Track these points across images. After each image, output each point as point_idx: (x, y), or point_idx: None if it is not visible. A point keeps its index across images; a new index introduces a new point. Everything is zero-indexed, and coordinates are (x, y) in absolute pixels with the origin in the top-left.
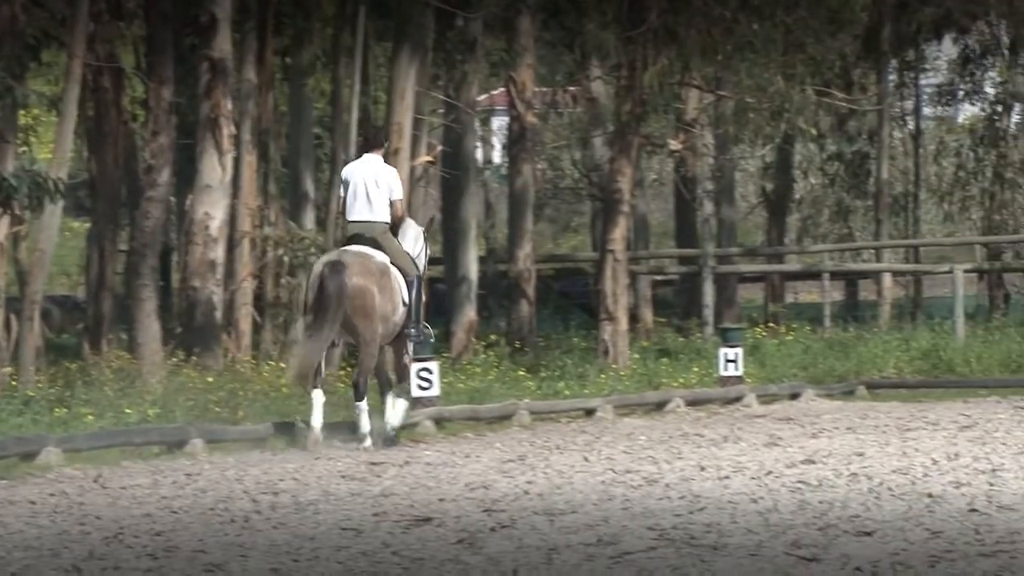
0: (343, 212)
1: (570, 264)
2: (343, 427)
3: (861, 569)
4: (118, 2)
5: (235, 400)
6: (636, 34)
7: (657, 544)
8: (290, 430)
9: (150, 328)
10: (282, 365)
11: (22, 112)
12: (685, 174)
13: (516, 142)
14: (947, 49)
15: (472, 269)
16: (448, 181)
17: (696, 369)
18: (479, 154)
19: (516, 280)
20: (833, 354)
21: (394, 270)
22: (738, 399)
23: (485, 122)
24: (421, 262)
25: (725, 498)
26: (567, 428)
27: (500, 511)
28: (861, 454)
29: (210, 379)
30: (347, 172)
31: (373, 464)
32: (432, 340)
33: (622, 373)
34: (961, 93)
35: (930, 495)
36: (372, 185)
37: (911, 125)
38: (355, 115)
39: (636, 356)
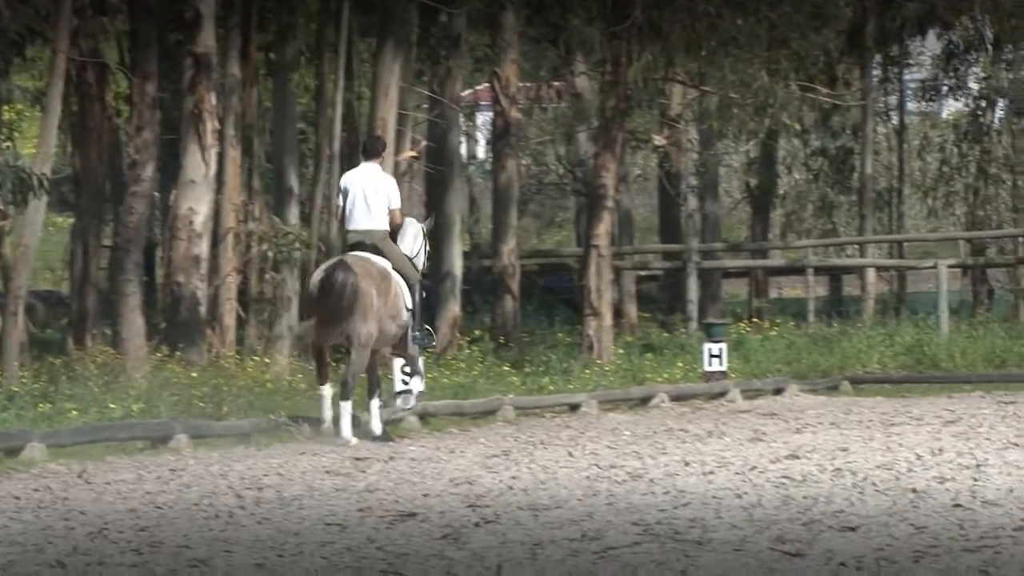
0: (342, 221)
1: (554, 259)
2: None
3: (845, 564)
4: None
5: (219, 395)
6: (620, 29)
7: (641, 539)
8: (274, 426)
9: (134, 323)
10: (266, 360)
11: (6, 107)
12: (669, 169)
13: (500, 137)
14: (931, 44)
15: (456, 264)
16: (432, 176)
17: (680, 364)
18: (463, 149)
19: (500, 275)
20: (817, 349)
21: (396, 275)
22: (722, 394)
23: (469, 117)
24: (420, 260)
25: (709, 493)
26: (551, 423)
27: (484, 506)
28: (845, 449)
29: (194, 374)
30: (346, 181)
31: (358, 460)
32: (434, 343)
33: (606, 368)
34: (945, 88)
35: (914, 490)
36: (371, 193)
37: (895, 120)
38: (339, 111)
39: (620, 351)
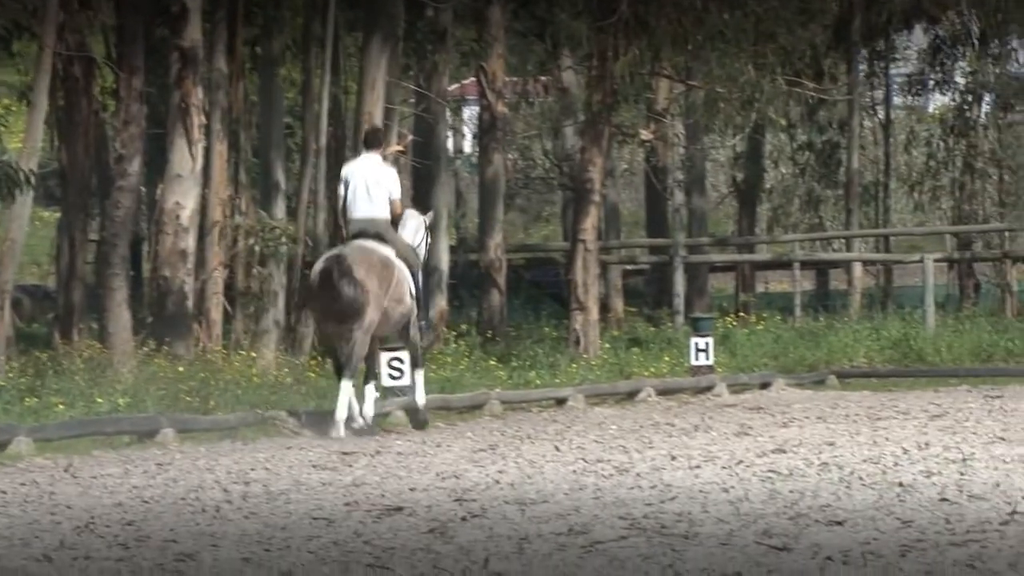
0: (344, 211)
1: (541, 254)
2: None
3: (832, 558)
4: None
5: (206, 389)
6: (607, 24)
7: (628, 533)
8: (261, 420)
9: (121, 317)
10: (253, 355)
11: None
12: (656, 164)
13: (487, 132)
14: (917, 39)
15: (443, 259)
16: (419, 171)
17: (667, 358)
18: (450, 144)
19: (487, 270)
20: (804, 343)
21: (399, 263)
22: (709, 388)
23: (456, 112)
24: (421, 252)
25: (696, 487)
26: (538, 417)
27: (471, 500)
28: (832, 443)
29: (181, 368)
30: (347, 172)
31: (344, 454)
32: (433, 333)
33: (593, 362)
34: (931, 83)
35: (901, 484)
36: (373, 184)
37: (881, 115)
38: (325, 105)
39: (607, 345)
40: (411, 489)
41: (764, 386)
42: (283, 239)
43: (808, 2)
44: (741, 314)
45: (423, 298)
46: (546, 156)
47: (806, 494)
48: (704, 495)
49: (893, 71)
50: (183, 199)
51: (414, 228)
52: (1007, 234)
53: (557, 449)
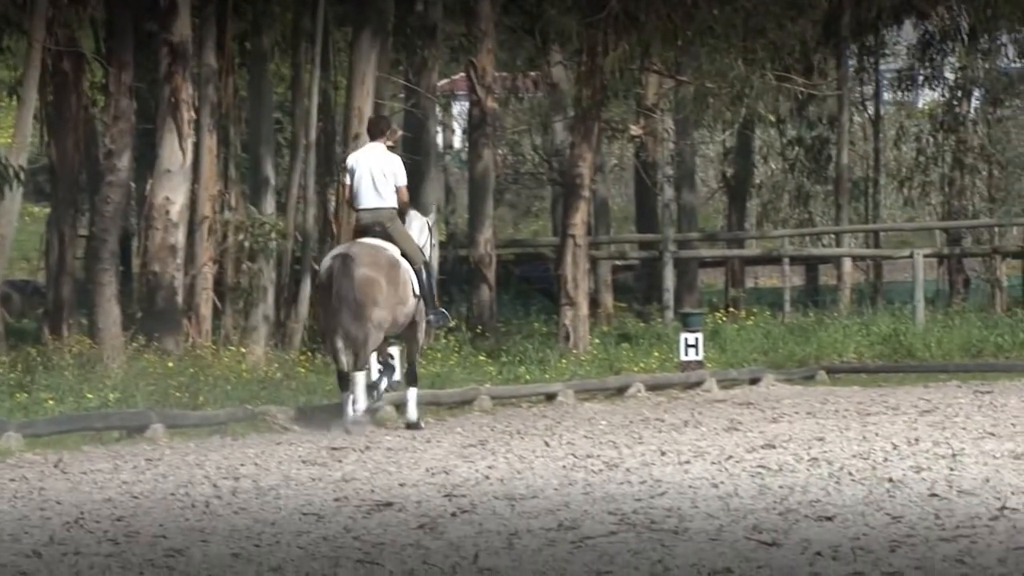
0: (350, 200)
1: (531, 249)
2: (314, 411)
3: (821, 554)
4: None
5: (196, 385)
6: (596, 19)
7: (618, 529)
8: (250, 415)
9: (110, 313)
10: (243, 350)
11: None
12: (645, 159)
13: (476, 127)
14: (907, 34)
15: (432, 254)
16: (408, 166)
17: (656, 354)
18: (439, 139)
19: (477, 265)
20: (793, 339)
21: (404, 263)
22: (698, 384)
23: (445, 107)
24: (427, 251)
25: (686, 483)
26: (528, 413)
27: (461, 496)
28: (821, 439)
29: (170, 364)
30: (352, 161)
31: (334, 449)
32: (452, 323)
33: (583, 358)
34: (921, 78)
35: (890, 480)
36: (378, 173)
37: (871, 110)
38: (315, 100)
39: (597, 341)
40: (401, 485)
41: (754, 381)
42: (273, 234)
43: None
44: (731, 309)
45: (431, 294)
46: (536, 151)
47: (796, 490)
48: (694, 491)
49: (883, 66)
50: (173, 194)
51: (418, 228)
52: (996, 229)
53: (547, 445)
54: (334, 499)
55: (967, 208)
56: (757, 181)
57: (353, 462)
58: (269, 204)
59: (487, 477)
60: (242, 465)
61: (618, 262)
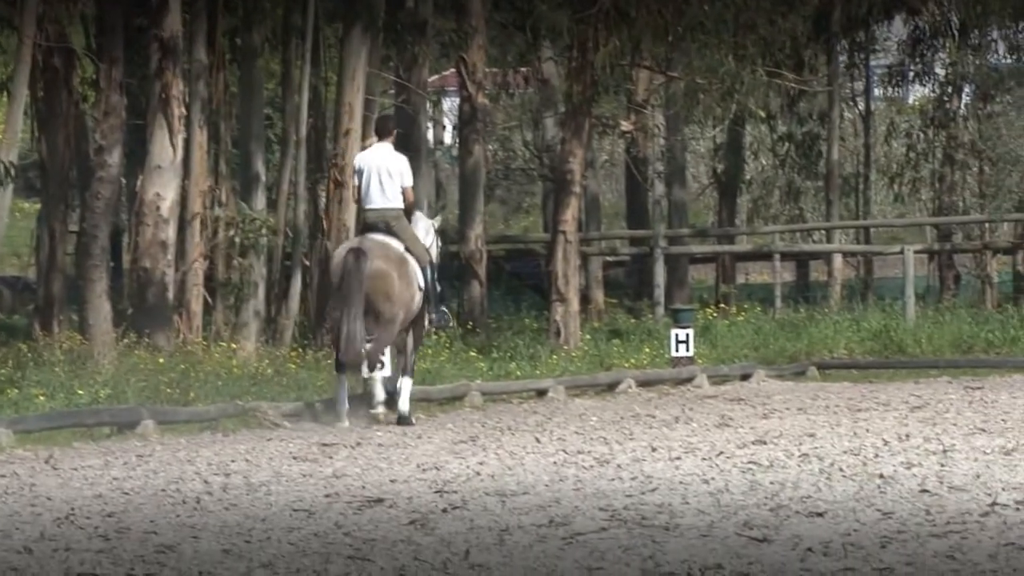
0: (358, 201)
1: (521, 245)
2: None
3: (812, 549)
4: None
5: (186, 381)
6: (587, 15)
7: (609, 525)
8: (241, 411)
9: (101, 309)
10: (233, 346)
11: None
12: (636, 155)
13: (467, 123)
14: (897, 30)
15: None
16: None
17: (647, 350)
18: (430, 135)
19: (467, 261)
20: (784, 335)
21: (411, 259)
22: (689, 380)
23: (436, 103)
24: (433, 251)
25: (676, 479)
26: (519, 409)
27: (452, 492)
28: (812, 435)
29: (161, 360)
30: (360, 161)
31: (325, 445)
32: (452, 323)
33: (573, 354)
34: (911, 74)
35: (881, 476)
36: (385, 174)
37: (861, 106)
38: (305, 96)
39: (587, 337)
40: (392, 481)
41: (744, 377)
42: (263, 230)
43: None
44: (721, 305)
45: (434, 293)
46: (526, 147)
47: (786, 485)
48: (684, 486)
49: (873, 62)
50: (163, 190)
51: (424, 230)
52: (987, 225)
53: (538, 441)
54: (325, 495)
55: (958, 204)
56: (748, 177)
57: (344, 458)
58: (260, 200)
59: (478, 473)
60: (233, 461)
61: (609, 258)
